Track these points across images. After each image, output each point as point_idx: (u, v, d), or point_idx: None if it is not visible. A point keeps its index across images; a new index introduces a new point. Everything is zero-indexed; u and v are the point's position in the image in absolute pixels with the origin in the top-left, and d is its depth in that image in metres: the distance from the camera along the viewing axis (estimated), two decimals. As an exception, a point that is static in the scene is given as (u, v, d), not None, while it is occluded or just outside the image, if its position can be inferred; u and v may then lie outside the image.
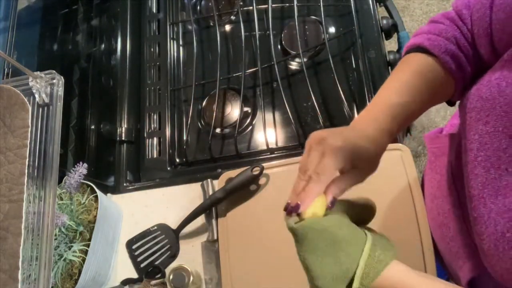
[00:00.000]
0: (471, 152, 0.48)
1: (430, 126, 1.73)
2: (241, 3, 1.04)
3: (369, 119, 0.52)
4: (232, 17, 1.05)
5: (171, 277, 0.77)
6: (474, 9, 0.52)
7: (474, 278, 0.58)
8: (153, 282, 0.79)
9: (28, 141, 0.65)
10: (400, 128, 0.53)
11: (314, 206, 0.46)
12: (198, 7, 1.09)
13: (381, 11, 0.96)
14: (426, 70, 0.53)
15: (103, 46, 1.09)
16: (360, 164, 0.49)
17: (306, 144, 0.49)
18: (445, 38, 0.53)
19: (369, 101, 0.88)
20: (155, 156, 0.98)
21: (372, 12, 0.93)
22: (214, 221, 0.82)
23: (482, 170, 0.46)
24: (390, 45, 1.38)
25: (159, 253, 0.85)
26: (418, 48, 0.55)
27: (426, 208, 0.72)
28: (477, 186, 0.47)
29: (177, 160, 0.97)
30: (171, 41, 1.06)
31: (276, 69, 0.92)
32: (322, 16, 0.93)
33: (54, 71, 0.69)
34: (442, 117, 1.72)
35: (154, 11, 1.11)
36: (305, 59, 0.95)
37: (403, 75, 0.54)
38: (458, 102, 0.59)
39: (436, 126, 1.63)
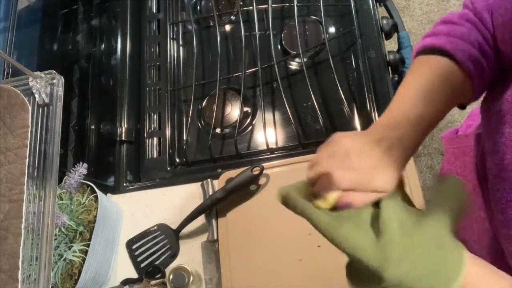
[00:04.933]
0: (497, 155, 0.46)
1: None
2: (241, 3, 1.04)
3: (392, 127, 0.47)
4: (232, 17, 1.05)
5: (171, 277, 0.77)
6: (497, 14, 0.48)
7: None
8: (153, 282, 0.79)
9: (28, 141, 0.65)
10: (423, 138, 0.49)
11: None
12: (198, 7, 1.09)
13: (381, 11, 0.96)
14: (449, 75, 0.49)
15: (103, 46, 1.09)
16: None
17: (328, 142, 0.46)
18: (468, 42, 0.49)
19: (369, 101, 0.88)
20: (155, 156, 0.98)
21: (372, 12, 0.93)
22: (214, 221, 0.82)
23: (511, 173, 0.45)
24: (390, 45, 1.38)
25: (159, 253, 0.85)
26: (437, 50, 0.50)
27: None
28: (504, 188, 0.46)
29: (177, 160, 0.97)
30: (171, 41, 1.06)
31: (276, 69, 0.92)
32: (322, 16, 0.93)
33: (54, 71, 0.69)
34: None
35: (154, 11, 1.11)
36: (305, 59, 0.95)
37: (427, 79, 0.49)
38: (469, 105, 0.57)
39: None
